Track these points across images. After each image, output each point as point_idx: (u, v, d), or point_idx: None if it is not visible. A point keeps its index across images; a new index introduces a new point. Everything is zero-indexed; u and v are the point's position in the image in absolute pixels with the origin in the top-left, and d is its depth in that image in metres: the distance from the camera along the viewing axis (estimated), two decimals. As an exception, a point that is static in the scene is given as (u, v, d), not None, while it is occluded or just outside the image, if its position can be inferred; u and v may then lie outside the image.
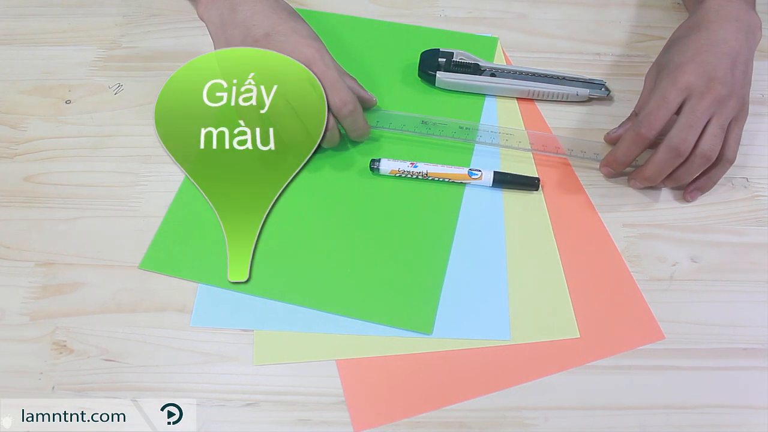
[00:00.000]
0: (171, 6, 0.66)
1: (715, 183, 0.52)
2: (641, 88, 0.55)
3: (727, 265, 0.49)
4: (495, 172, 0.52)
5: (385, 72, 0.60)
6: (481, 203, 0.52)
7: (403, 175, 0.52)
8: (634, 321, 0.46)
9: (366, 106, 0.55)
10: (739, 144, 0.52)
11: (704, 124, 0.49)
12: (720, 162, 0.51)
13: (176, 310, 0.46)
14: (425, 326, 0.46)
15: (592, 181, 0.53)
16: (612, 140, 0.55)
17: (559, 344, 0.45)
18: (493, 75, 0.58)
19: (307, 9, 0.65)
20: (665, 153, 0.49)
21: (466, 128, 0.55)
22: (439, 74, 0.58)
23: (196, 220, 0.50)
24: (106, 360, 0.44)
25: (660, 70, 0.52)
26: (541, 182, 0.52)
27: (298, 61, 0.51)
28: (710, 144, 0.49)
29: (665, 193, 0.53)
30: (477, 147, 0.55)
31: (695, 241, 0.50)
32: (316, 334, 0.45)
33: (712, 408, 0.43)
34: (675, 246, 0.50)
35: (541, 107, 0.58)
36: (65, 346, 0.45)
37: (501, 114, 0.57)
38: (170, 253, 0.49)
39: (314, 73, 0.51)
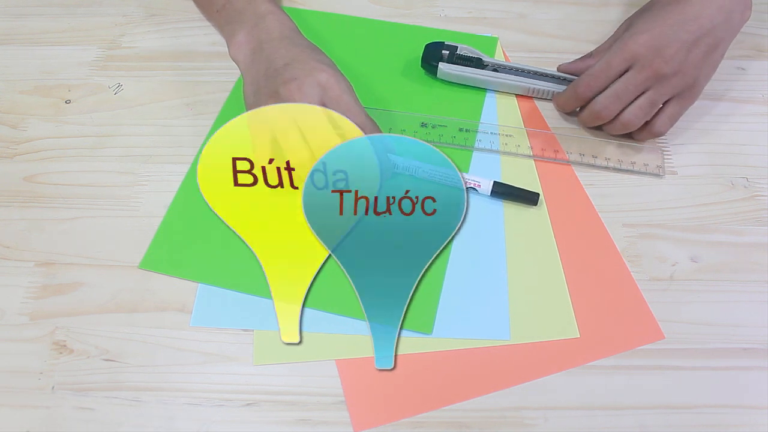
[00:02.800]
0: (171, 6, 0.66)
1: (642, 141, 0.55)
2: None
3: (727, 265, 0.49)
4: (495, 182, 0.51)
5: (385, 72, 0.60)
6: (481, 203, 0.52)
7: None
8: (634, 321, 0.46)
9: None
10: (674, 121, 0.53)
11: (635, 96, 0.51)
12: (646, 131, 0.53)
13: (176, 310, 0.46)
14: (425, 326, 0.46)
15: (592, 181, 0.53)
16: (563, 70, 0.58)
17: (558, 344, 0.45)
18: (495, 70, 0.58)
19: (307, 9, 0.65)
20: (588, 114, 0.53)
21: (466, 130, 0.55)
22: (441, 65, 0.58)
23: (196, 220, 0.50)
24: (106, 360, 0.44)
25: (627, 29, 0.53)
26: (540, 183, 0.52)
27: (315, 84, 0.49)
28: (632, 115, 0.51)
29: (665, 193, 0.53)
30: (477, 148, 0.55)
31: (695, 241, 0.50)
32: (316, 334, 0.45)
33: (712, 408, 0.43)
34: (675, 246, 0.50)
35: (540, 105, 0.58)
36: (65, 346, 0.45)
37: (501, 111, 0.57)
38: (170, 253, 0.49)
39: (330, 98, 0.49)
